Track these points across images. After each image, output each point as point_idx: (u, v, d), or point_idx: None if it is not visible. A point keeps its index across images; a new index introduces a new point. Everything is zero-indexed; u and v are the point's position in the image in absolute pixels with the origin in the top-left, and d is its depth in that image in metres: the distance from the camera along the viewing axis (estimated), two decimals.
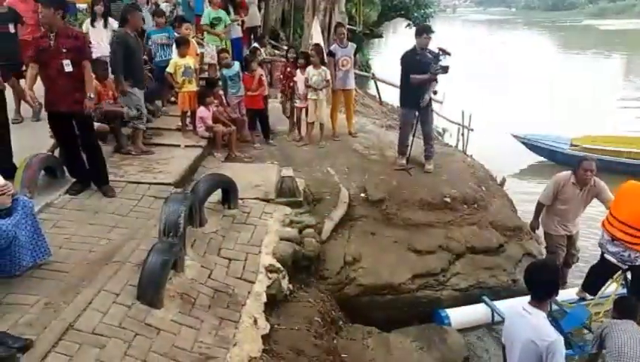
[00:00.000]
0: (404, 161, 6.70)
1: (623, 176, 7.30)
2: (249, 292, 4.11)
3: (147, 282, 3.55)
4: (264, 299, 4.13)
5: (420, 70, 6.16)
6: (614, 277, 5.07)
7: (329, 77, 7.21)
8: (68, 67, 4.68)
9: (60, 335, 3.06)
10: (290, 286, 4.63)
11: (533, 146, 12.28)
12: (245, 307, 3.95)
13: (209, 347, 3.42)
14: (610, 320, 4.27)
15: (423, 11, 21.83)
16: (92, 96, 4.89)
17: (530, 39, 42.55)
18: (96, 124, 5.79)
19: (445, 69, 6.09)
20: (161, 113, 7.62)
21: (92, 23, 7.13)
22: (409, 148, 6.72)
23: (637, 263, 4.69)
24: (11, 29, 6.37)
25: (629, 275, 4.94)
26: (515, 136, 12.31)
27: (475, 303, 5.52)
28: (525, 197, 8.00)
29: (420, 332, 4.93)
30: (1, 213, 3.48)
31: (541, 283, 3.05)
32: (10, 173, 4.56)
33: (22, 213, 3.57)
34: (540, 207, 5.71)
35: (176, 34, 7.61)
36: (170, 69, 6.77)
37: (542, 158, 12.28)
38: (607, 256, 4.86)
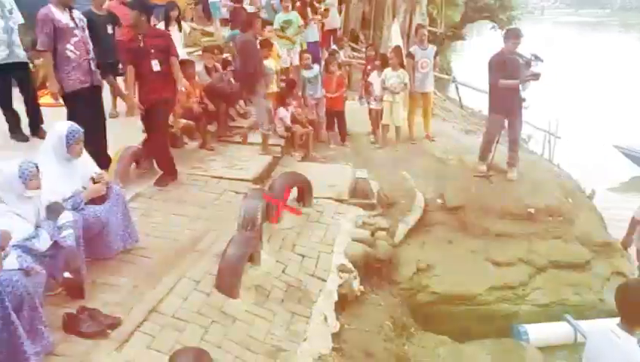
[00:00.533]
0: (484, 168, 6.45)
1: None
2: (320, 290, 4.14)
3: (225, 272, 3.68)
4: (335, 297, 4.15)
5: (509, 75, 5.90)
6: None
7: (407, 80, 7.10)
8: (156, 67, 5.04)
9: (144, 316, 3.26)
10: (362, 287, 4.60)
11: (635, 158, 11.36)
12: (316, 304, 3.99)
13: (280, 340, 3.49)
14: None
15: (508, 13, 20.91)
16: (183, 89, 5.29)
17: (626, 43, 39.42)
18: (182, 121, 6.12)
19: (537, 76, 5.80)
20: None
21: (166, 27, 7.27)
22: (492, 154, 6.45)
23: None
24: (109, 30, 6.84)
25: None
26: (617, 147, 11.44)
27: (554, 321, 5.20)
28: (618, 212, 7.41)
29: (496, 345, 4.72)
30: (97, 201, 3.75)
31: (634, 306, 2.80)
32: (105, 164, 4.91)
33: (114, 200, 3.83)
34: (634, 223, 5.26)
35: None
36: None
37: None
38: None
